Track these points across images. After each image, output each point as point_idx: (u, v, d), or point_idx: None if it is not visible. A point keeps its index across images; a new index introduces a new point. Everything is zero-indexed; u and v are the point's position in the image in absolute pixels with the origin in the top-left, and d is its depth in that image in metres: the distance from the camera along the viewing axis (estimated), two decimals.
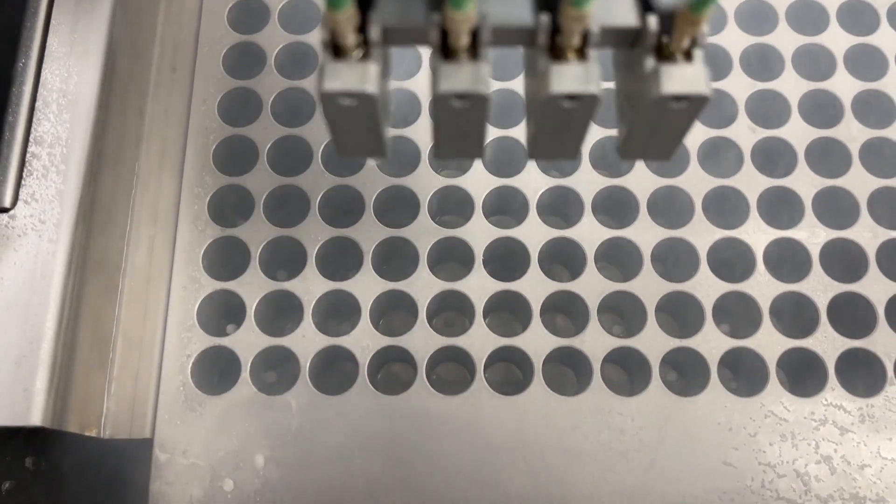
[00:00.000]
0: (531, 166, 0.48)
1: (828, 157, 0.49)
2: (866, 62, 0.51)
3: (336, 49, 0.26)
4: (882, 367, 0.44)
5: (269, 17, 0.52)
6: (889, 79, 0.50)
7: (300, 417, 0.44)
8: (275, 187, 0.48)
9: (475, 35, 0.26)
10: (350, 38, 0.26)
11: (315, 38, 0.51)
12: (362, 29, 0.26)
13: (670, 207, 0.48)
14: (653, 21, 0.26)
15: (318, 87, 0.26)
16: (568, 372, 0.49)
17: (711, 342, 0.45)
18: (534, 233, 0.47)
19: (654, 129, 0.28)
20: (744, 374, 0.46)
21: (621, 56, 0.29)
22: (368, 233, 0.47)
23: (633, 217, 0.47)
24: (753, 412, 0.44)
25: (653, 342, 0.45)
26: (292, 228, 0.47)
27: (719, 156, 0.50)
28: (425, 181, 0.48)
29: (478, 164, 0.48)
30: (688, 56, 0.26)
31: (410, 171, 0.48)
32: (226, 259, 0.47)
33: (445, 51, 0.26)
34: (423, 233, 0.47)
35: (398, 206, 0.48)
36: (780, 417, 0.44)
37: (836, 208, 0.48)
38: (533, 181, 0.48)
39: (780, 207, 0.48)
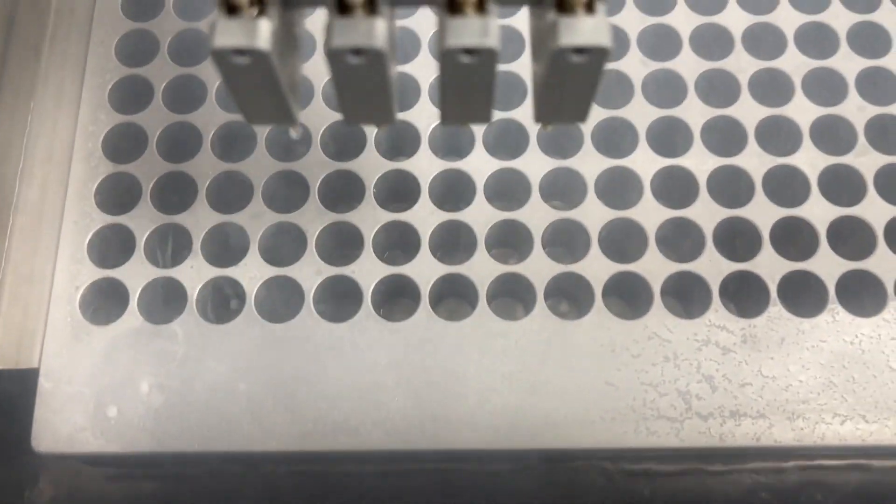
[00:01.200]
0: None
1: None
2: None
3: (230, 7, 0.25)
4: (765, 288, 0.45)
5: None
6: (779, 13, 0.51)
7: (186, 346, 0.44)
8: (168, 124, 0.48)
9: None
10: None
11: None
12: None
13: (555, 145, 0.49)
14: None
15: (210, 46, 0.25)
16: (456, 301, 0.48)
17: (597, 267, 0.45)
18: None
19: (562, 87, 0.28)
20: (629, 298, 0.47)
21: (531, 15, 0.29)
22: (259, 164, 0.47)
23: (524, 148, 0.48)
24: (637, 334, 0.44)
25: (538, 267, 0.45)
26: (182, 164, 0.47)
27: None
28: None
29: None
30: (589, 8, 0.26)
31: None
32: (118, 195, 0.48)
33: (452, 6, 0.26)
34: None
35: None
36: (663, 339, 0.44)
37: (725, 137, 0.48)
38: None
39: (670, 136, 0.48)
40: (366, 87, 0.28)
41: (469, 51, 0.26)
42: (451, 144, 0.50)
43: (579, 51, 0.26)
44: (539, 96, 0.29)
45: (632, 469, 0.44)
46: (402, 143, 0.49)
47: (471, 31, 0.25)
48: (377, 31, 0.25)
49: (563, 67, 0.26)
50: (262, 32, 0.25)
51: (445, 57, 0.26)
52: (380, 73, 0.27)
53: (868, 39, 0.51)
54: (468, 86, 0.28)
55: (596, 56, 0.26)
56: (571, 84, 0.28)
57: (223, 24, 0.25)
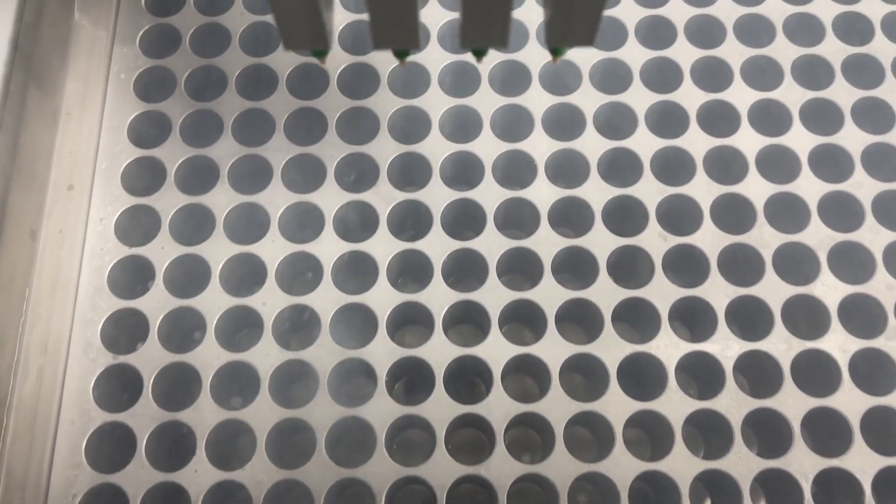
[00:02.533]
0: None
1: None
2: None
3: None
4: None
5: (170, 131, 0.50)
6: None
7: None
8: (170, 310, 0.46)
9: None
10: None
11: (215, 152, 0.50)
12: None
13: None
14: None
15: None
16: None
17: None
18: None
19: (571, 6, 0.30)
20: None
21: None
22: (264, 353, 0.45)
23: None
24: None
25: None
26: (186, 354, 0.45)
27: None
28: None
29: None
30: None
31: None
32: (118, 390, 0.45)
33: None
34: None
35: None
36: None
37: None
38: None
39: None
40: (394, 5, 0.30)
41: None
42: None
43: None
44: (550, 19, 0.30)
45: None
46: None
47: None
48: None
49: None
50: None
51: None
52: None
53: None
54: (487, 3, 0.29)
55: None
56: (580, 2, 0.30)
57: None
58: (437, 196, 0.49)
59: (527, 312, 0.47)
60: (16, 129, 0.47)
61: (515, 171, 0.50)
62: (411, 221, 0.50)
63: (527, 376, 0.50)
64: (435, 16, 0.53)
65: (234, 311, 0.46)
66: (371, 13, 0.30)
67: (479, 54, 0.33)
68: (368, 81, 0.52)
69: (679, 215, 0.49)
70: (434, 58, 0.52)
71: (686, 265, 0.48)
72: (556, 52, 0.33)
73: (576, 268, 0.49)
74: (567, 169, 0.50)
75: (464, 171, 0.50)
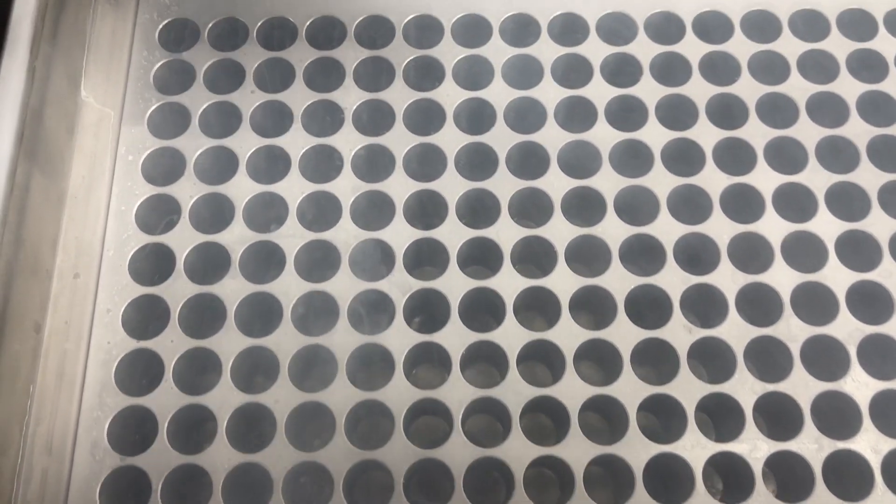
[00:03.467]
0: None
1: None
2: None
3: None
4: None
5: (181, 214, 0.49)
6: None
7: None
8: (180, 407, 0.45)
9: None
10: None
11: (225, 238, 0.48)
12: None
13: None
14: None
15: None
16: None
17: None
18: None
19: None
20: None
21: None
22: (278, 455, 0.44)
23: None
24: None
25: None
26: (196, 455, 0.44)
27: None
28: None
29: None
30: None
31: None
32: (127, 494, 0.44)
33: None
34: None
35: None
36: None
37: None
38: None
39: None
40: None
41: None
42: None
43: None
44: None
45: None
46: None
47: None
48: None
49: None
50: None
51: None
52: None
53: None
54: None
55: None
56: None
57: None
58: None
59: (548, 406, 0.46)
60: (20, 220, 0.45)
61: (534, 256, 0.49)
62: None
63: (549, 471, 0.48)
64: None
65: (245, 408, 0.45)
66: None
67: None
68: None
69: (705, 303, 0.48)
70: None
71: (712, 357, 0.47)
72: None
73: (600, 360, 0.48)
74: (587, 254, 0.49)
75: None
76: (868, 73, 0.53)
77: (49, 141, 0.48)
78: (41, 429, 0.44)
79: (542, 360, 0.49)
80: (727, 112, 0.52)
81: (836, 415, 0.45)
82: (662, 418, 0.47)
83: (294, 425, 0.45)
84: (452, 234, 0.48)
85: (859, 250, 0.49)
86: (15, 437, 0.44)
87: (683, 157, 0.51)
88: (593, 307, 0.49)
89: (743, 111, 0.52)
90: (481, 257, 0.49)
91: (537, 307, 0.49)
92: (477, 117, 0.52)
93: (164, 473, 0.43)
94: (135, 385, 0.46)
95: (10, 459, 0.43)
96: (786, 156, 0.51)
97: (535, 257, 0.50)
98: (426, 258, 0.50)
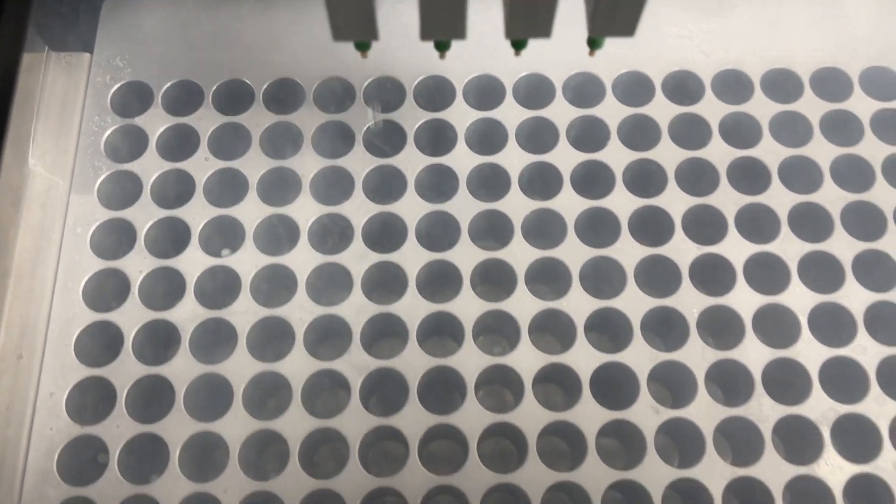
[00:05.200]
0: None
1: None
2: None
3: None
4: None
5: (128, 292, 0.47)
6: None
7: None
8: (125, 498, 0.43)
9: None
10: None
11: (174, 315, 0.47)
12: None
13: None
14: None
15: None
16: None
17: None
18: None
19: None
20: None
21: None
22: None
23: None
24: None
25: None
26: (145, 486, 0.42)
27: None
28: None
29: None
30: None
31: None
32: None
33: None
34: None
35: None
36: None
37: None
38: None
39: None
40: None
41: None
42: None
43: None
44: (594, 8, 0.31)
45: None
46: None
47: None
48: None
49: None
50: None
51: None
52: None
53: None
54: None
55: None
56: None
57: None
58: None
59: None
60: None
61: (499, 329, 0.48)
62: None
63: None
64: None
65: (195, 496, 0.43)
66: (422, 5, 0.31)
67: (519, 46, 0.34)
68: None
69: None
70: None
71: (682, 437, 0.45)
72: (593, 43, 0.34)
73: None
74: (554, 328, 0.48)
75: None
76: (841, 137, 0.51)
77: None
78: None
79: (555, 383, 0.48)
80: (698, 172, 0.51)
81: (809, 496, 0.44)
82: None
83: None
84: (413, 307, 0.47)
85: (834, 322, 0.47)
86: None
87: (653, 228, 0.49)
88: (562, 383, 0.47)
89: (714, 176, 0.50)
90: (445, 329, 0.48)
91: (502, 381, 0.47)
92: (438, 181, 0.51)
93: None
94: (79, 474, 0.44)
95: None
96: (758, 224, 0.49)
97: (500, 329, 0.48)
98: (385, 332, 0.48)
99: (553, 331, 0.48)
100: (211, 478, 0.43)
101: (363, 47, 0.35)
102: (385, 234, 0.49)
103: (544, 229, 0.49)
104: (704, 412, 0.45)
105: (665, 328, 0.48)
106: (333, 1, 0.31)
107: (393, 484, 0.42)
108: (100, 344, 0.46)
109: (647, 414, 0.45)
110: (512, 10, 0.31)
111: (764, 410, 0.45)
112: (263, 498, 0.43)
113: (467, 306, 0.46)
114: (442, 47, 0.35)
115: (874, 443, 0.44)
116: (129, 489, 0.43)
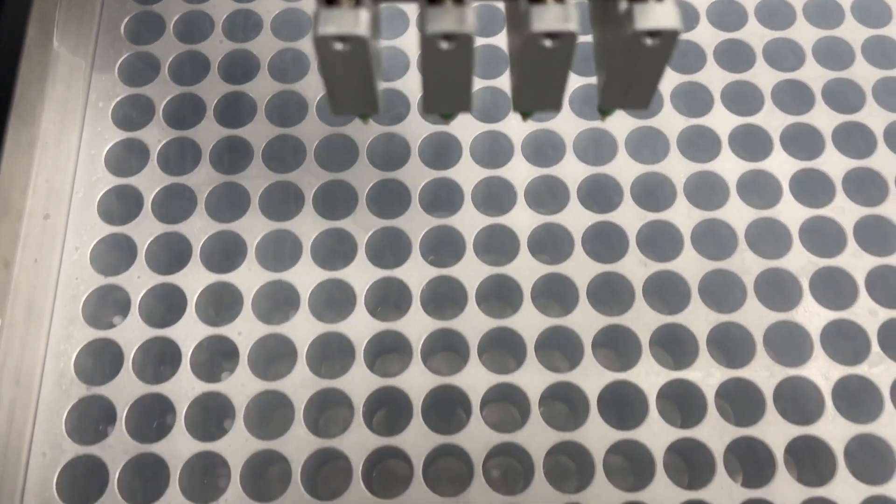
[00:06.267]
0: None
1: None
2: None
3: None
4: None
5: (148, 158, 0.50)
6: None
7: None
8: (147, 339, 0.46)
9: None
10: None
11: (192, 180, 0.50)
12: None
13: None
14: None
15: (313, 34, 0.27)
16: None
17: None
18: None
19: (631, 72, 0.30)
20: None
21: (596, 5, 0.31)
22: (242, 385, 0.45)
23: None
24: None
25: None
26: (160, 385, 0.45)
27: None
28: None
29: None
30: None
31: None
32: (92, 422, 0.45)
33: None
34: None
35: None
36: None
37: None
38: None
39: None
40: (351, 73, 0.29)
41: (447, 37, 0.27)
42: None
43: (652, 34, 0.27)
44: (606, 83, 0.31)
45: None
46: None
47: (449, 18, 0.27)
48: (361, 19, 0.27)
49: (636, 51, 0.28)
50: (362, 20, 0.27)
51: (425, 44, 0.28)
52: (363, 59, 0.28)
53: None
54: (448, 73, 0.29)
55: (667, 39, 0.28)
56: (641, 68, 0.29)
57: (325, 13, 0.27)
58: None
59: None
60: None
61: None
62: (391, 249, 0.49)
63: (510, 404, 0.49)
64: None
65: (209, 340, 0.46)
66: (426, 83, 0.30)
67: (527, 115, 0.33)
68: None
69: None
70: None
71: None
72: (605, 112, 0.33)
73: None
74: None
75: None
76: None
77: (21, 89, 0.50)
78: (9, 361, 0.45)
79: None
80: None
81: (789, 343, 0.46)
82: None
83: (255, 354, 0.46)
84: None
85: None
86: None
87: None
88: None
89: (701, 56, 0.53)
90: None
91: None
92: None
93: (128, 403, 0.44)
94: (102, 320, 0.47)
95: None
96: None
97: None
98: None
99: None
100: (224, 322, 0.46)
101: (365, 117, 0.34)
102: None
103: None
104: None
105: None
106: (332, 79, 0.30)
107: None
108: (124, 204, 0.49)
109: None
110: (520, 85, 0.30)
111: (747, 264, 0.47)
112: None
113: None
114: (447, 116, 0.33)
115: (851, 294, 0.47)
116: (150, 333, 0.46)
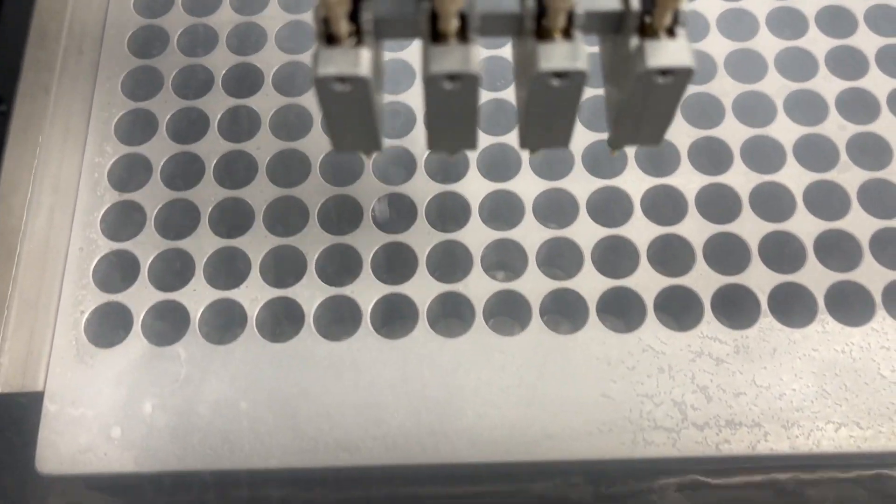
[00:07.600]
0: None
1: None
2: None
3: (329, 37, 0.26)
4: (756, 300, 0.46)
5: (173, 3, 0.54)
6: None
7: (188, 367, 0.45)
8: (172, 154, 0.50)
9: (464, 21, 0.27)
10: (343, 25, 0.26)
11: (218, 19, 0.54)
12: (355, 18, 0.27)
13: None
14: (635, 1, 0.27)
15: (312, 74, 0.26)
16: (453, 321, 0.49)
17: (590, 283, 0.46)
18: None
19: (642, 109, 0.29)
20: (622, 313, 0.48)
21: (607, 43, 0.30)
22: (259, 190, 0.49)
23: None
24: (631, 347, 0.45)
25: (534, 285, 0.46)
26: (185, 192, 0.49)
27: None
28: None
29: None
30: (671, 33, 0.27)
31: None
32: (123, 223, 0.49)
33: (435, 36, 0.27)
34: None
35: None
36: (657, 351, 0.45)
37: (714, 157, 0.50)
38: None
39: (660, 156, 0.50)
40: (352, 113, 0.29)
41: (451, 77, 0.27)
42: (447, 169, 0.51)
43: (665, 72, 0.26)
44: (617, 120, 0.30)
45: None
46: (397, 169, 0.51)
47: (453, 58, 0.26)
48: (362, 59, 0.27)
49: (648, 89, 0.27)
50: (363, 60, 0.26)
51: (429, 84, 0.27)
52: (365, 99, 0.28)
53: (847, 62, 0.53)
54: (452, 112, 0.29)
55: (680, 77, 0.27)
56: (653, 106, 0.29)
57: (325, 53, 0.26)
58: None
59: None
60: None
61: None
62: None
63: None
64: None
65: (231, 153, 0.50)
66: (430, 121, 0.30)
67: (534, 151, 0.33)
68: None
69: None
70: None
71: None
72: (614, 146, 0.33)
73: None
74: None
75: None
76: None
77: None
78: (49, 172, 0.50)
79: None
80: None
81: (763, 154, 0.50)
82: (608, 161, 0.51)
83: None
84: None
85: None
86: (25, 179, 0.49)
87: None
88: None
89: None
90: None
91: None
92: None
93: (157, 206, 0.48)
94: (133, 138, 0.51)
95: (20, 196, 0.49)
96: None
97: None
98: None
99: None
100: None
101: (367, 152, 0.33)
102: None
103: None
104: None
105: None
106: (333, 118, 0.29)
107: None
108: (149, 42, 0.54)
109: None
110: (527, 124, 0.30)
111: (725, 87, 0.51)
112: None
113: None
114: (452, 151, 0.33)
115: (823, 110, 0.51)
116: (175, 147, 0.50)
